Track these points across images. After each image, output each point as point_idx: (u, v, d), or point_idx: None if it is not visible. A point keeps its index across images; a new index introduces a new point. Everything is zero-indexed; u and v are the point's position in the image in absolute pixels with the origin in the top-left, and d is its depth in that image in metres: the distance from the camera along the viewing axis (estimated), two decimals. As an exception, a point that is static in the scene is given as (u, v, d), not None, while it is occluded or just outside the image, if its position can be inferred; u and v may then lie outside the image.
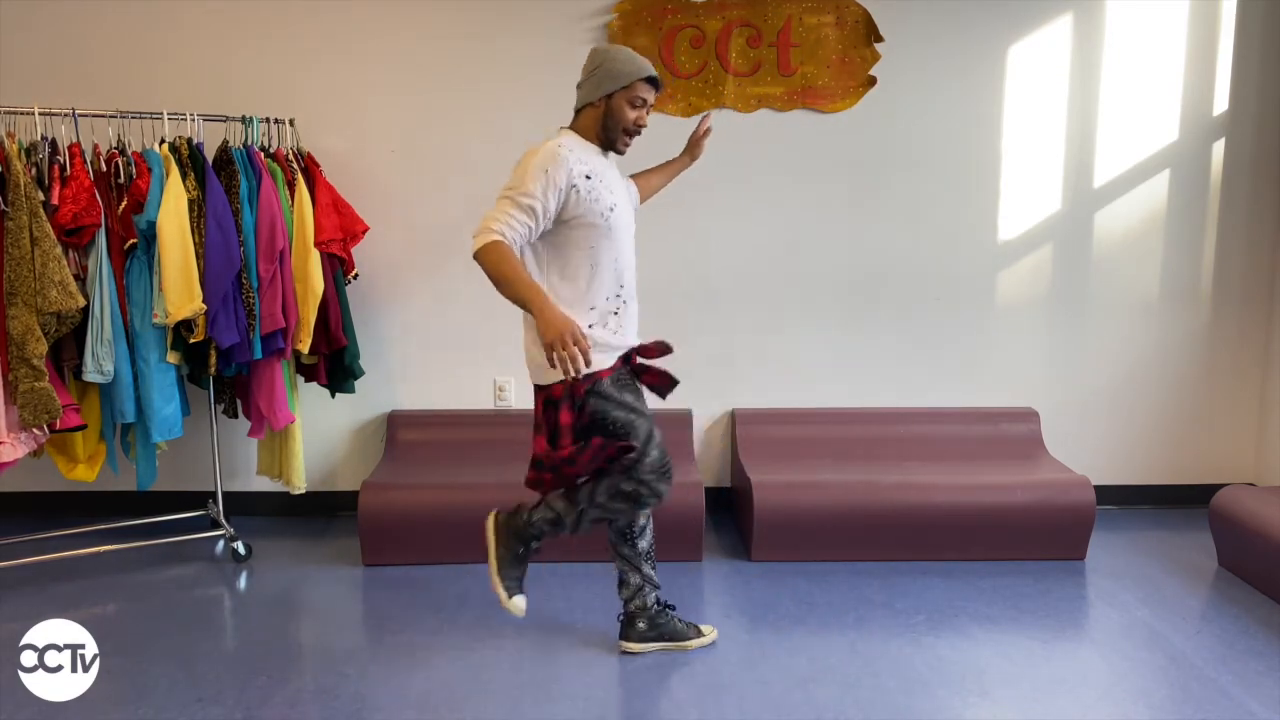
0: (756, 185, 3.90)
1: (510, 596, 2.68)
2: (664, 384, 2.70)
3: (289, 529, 3.87)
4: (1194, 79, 3.88)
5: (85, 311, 3.13)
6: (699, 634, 2.85)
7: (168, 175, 3.19)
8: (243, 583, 3.39)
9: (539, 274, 2.52)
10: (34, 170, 3.10)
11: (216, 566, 3.53)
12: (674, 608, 2.89)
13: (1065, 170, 3.92)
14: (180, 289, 3.17)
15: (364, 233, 3.60)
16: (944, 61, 3.83)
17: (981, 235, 3.96)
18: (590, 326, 2.53)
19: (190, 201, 3.21)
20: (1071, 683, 2.67)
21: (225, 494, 3.76)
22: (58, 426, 3.13)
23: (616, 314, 2.58)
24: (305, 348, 3.45)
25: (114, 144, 3.28)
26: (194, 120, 3.35)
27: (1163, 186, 3.95)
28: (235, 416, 3.66)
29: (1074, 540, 3.51)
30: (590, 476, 2.61)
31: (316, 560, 3.56)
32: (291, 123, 3.62)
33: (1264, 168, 3.93)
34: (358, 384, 3.73)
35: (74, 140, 3.20)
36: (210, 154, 3.35)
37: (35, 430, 3.12)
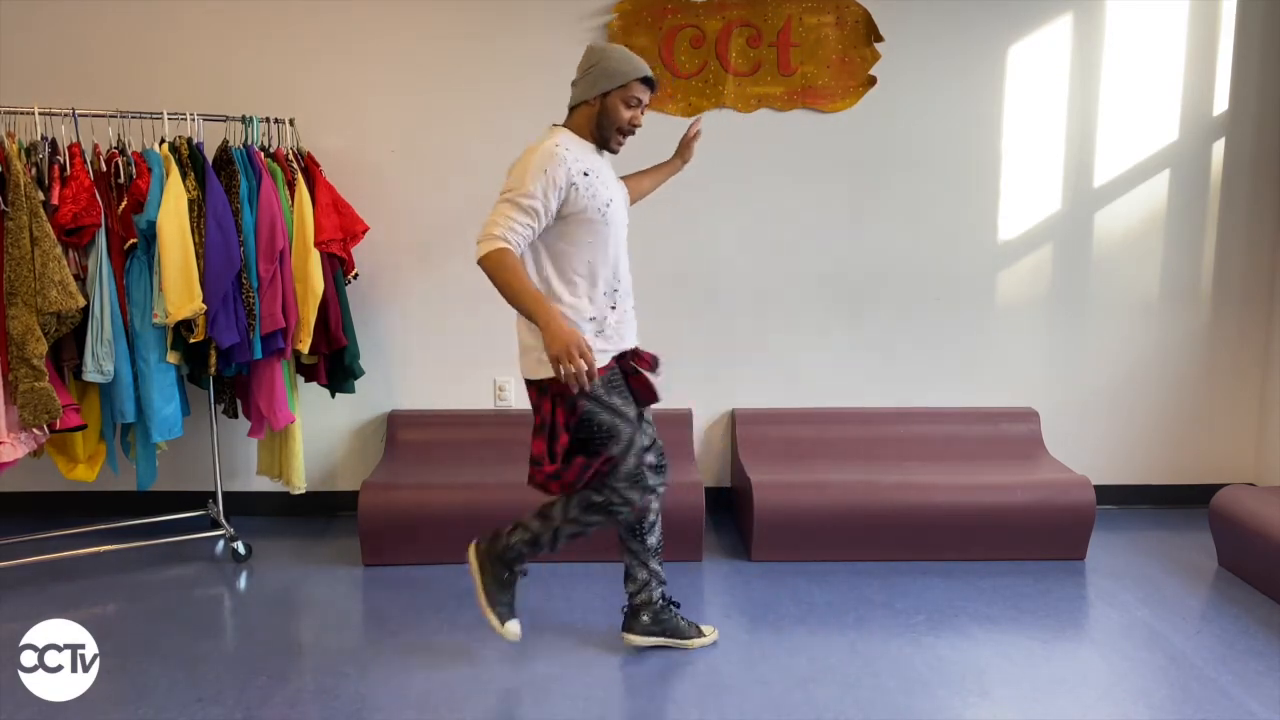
0: (756, 185, 3.90)
1: (503, 623, 2.72)
2: (646, 396, 2.68)
3: (289, 529, 3.87)
4: (1194, 79, 3.88)
5: (85, 311, 3.13)
6: (700, 634, 2.85)
7: (168, 175, 3.19)
8: (243, 583, 3.39)
9: (536, 271, 2.52)
10: (34, 170, 3.09)
11: (216, 566, 3.53)
12: (679, 605, 2.89)
13: (1065, 170, 3.92)
14: (180, 289, 3.17)
15: (364, 233, 3.60)
16: (944, 61, 3.83)
17: (981, 235, 3.96)
18: (590, 319, 2.54)
19: (190, 201, 3.21)
20: (1071, 683, 2.67)
21: (225, 494, 3.76)
22: (58, 426, 3.13)
23: (614, 308, 2.59)
24: (305, 348, 3.45)
25: (114, 144, 3.28)
26: (194, 120, 3.35)
27: (1163, 186, 3.95)
28: (235, 416, 3.66)
29: (1074, 540, 3.51)
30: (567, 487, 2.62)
31: (316, 560, 3.56)
32: (291, 123, 3.62)
33: (1264, 168, 3.93)
34: (358, 384, 3.73)
35: (74, 140, 3.20)
36: (210, 154, 3.35)
37: (35, 430, 3.12)
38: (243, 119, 3.44)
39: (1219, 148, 3.92)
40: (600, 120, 2.54)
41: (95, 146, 3.25)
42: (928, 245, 3.95)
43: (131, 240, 3.19)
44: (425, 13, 3.77)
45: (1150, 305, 4.02)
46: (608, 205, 2.52)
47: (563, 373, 2.33)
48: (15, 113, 3.15)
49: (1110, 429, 4.09)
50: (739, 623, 3.02)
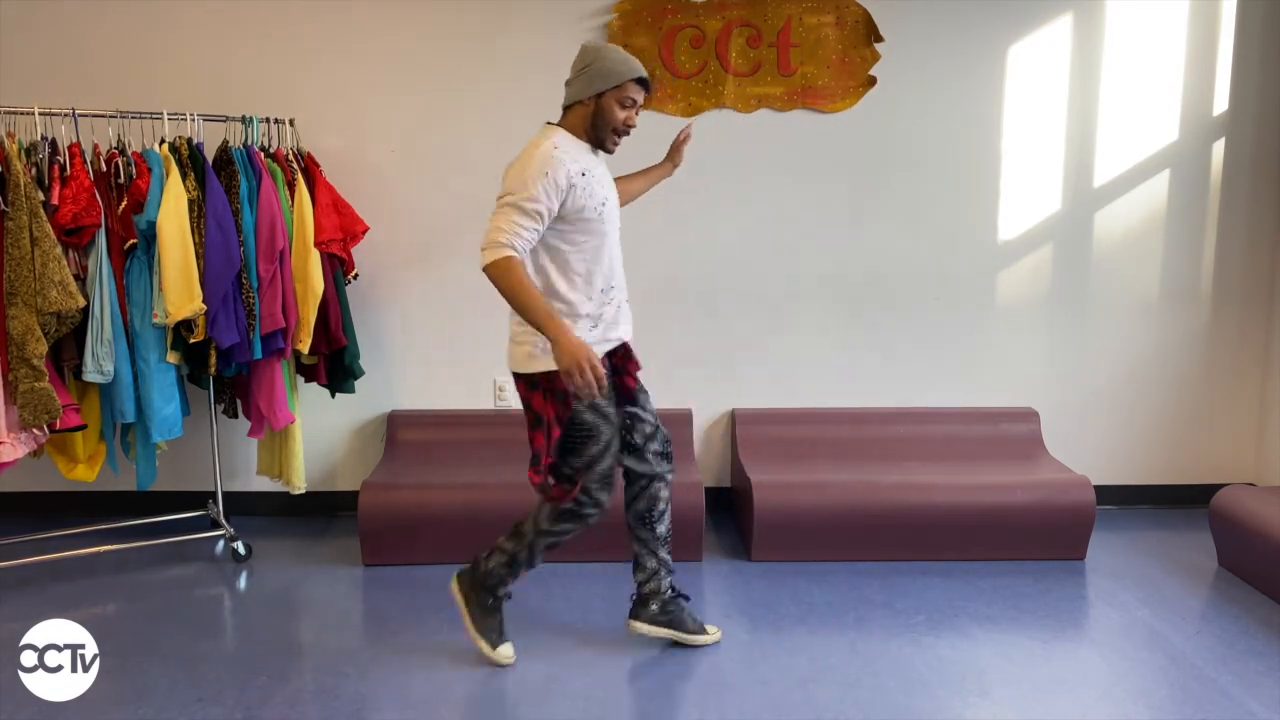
0: (756, 185, 3.90)
1: (494, 648, 2.73)
2: (629, 396, 2.68)
3: (289, 529, 3.87)
4: (1194, 79, 3.88)
5: (85, 311, 3.13)
6: (705, 631, 2.85)
7: (168, 175, 3.19)
8: (243, 583, 3.39)
9: (535, 270, 2.53)
10: (34, 170, 3.09)
11: (216, 566, 3.53)
12: (689, 598, 2.89)
13: (1065, 170, 3.92)
14: (180, 289, 3.17)
15: (364, 233, 3.60)
16: (944, 61, 3.83)
17: (981, 235, 3.96)
18: (586, 315, 2.55)
19: (190, 201, 3.21)
20: (1071, 683, 2.67)
21: (225, 494, 3.76)
22: (58, 426, 3.13)
23: (610, 303, 2.61)
24: (305, 348, 3.45)
25: (114, 144, 3.28)
26: (194, 120, 3.35)
27: (1163, 186, 3.95)
28: (235, 416, 3.66)
29: (1074, 540, 3.51)
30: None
31: (316, 560, 3.56)
32: (291, 123, 3.62)
33: (1264, 168, 3.93)
34: (358, 384, 3.73)
35: (74, 140, 3.20)
36: (210, 154, 3.35)
37: (35, 430, 3.12)
38: (243, 119, 3.44)
39: (1219, 148, 3.92)
40: (595, 121, 2.53)
41: (95, 146, 3.25)
42: (928, 245, 3.95)
43: (131, 240, 3.19)
44: (425, 13, 3.77)
45: (1150, 305, 4.02)
46: (603, 205, 2.53)
47: (572, 386, 2.34)
48: (15, 113, 3.15)
49: (1110, 429, 4.09)
50: (739, 623, 3.02)
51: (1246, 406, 4.10)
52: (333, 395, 3.78)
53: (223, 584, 3.39)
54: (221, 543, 3.72)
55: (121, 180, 3.22)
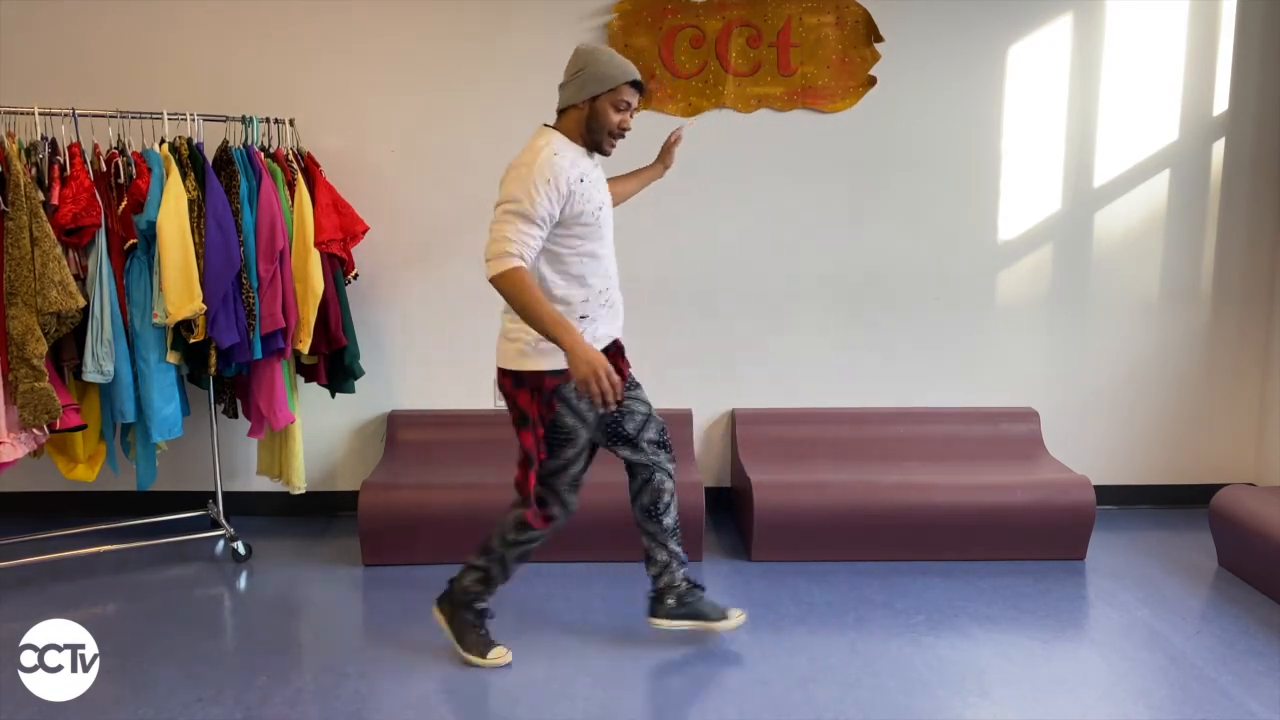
0: (756, 185, 3.90)
1: (485, 656, 2.74)
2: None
3: (289, 529, 3.87)
4: (1194, 79, 3.88)
5: (85, 311, 3.13)
6: (726, 617, 2.84)
7: (168, 175, 3.19)
8: (243, 583, 3.39)
9: (533, 272, 2.53)
10: (34, 170, 3.09)
11: (216, 566, 3.53)
12: (704, 588, 2.88)
13: (1065, 170, 3.92)
14: (180, 289, 3.17)
15: (364, 233, 3.60)
16: (944, 61, 3.83)
17: (981, 235, 3.96)
18: (582, 317, 2.55)
19: (190, 201, 3.21)
20: (1071, 683, 2.67)
21: (225, 494, 3.76)
22: (58, 426, 3.13)
23: (606, 304, 2.62)
24: (305, 348, 3.45)
25: (114, 144, 3.28)
26: (194, 120, 3.35)
27: (1163, 186, 3.95)
28: (235, 416, 3.66)
29: (1074, 540, 3.51)
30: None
31: (316, 560, 3.56)
32: (291, 123, 3.62)
33: (1264, 168, 3.93)
34: (358, 384, 3.73)
35: (74, 140, 3.20)
36: (210, 154, 3.35)
37: (35, 430, 3.12)
38: (243, 119, 3.44)
39: (1219, 148, 3.92)
40: (590, 124, 2.53)
41: (95, 146, 3.25)
42: (928, 245, 3.95)
43: (131, 240, 3.19)
44: (425, 13, 3.77)
45: (1150, 305, 4.02)
46: (600, 210, 2.54)
47: (589, 393, 2.34)
48: (15, 113, 3.15)
49: (1110, 429, 4.09)
50: (739, 623, 3.02)
51: (1246, 406, 4.10)
52: (333, 395, 3.78)
53: (223, 584, 3.39)
54: (221, 543, 3.72)
55: (121, 180, 3.22)
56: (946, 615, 3.07)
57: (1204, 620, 3.05)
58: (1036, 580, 3.34)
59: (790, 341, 4.00)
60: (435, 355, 3.97)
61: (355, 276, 3.67)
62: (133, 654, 2.82)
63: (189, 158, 3.26)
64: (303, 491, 3.67)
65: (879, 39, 3.79)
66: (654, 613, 2.82)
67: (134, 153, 3.24)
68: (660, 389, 3.25)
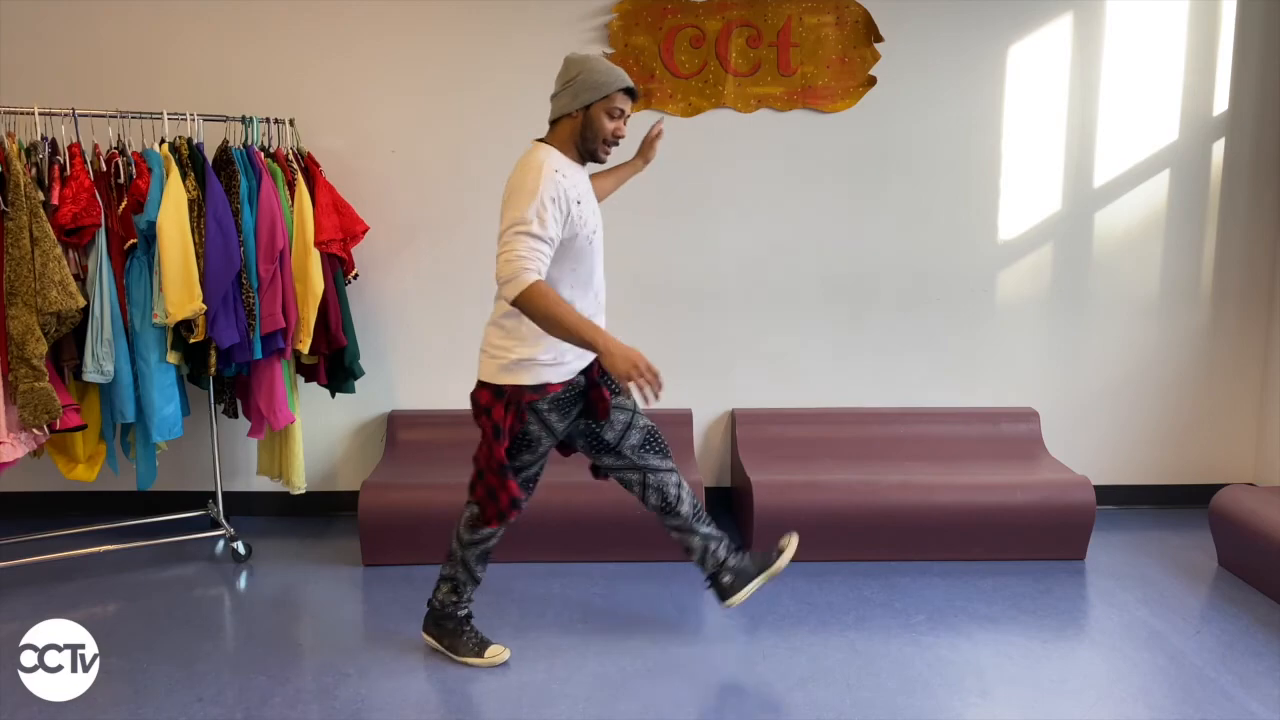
0: (756, 185, 3.90)
1: (483, 655, 2.75)
2: (601, 412, 2.67)
3: (289, 529, 3.87)
4: (1194, 79, 3.88)
5: (85, 311, 3.13)
6: (780, 552, 2.83)
7: (168, 175, 3.19)
8: (243, 583, 3.39)
9: None
10: (34, 170, 3.09)
11: (216, 566, 3.53)
12: (744, 547, 2.86)
13: (1065, 170, 3.92)
14: (180, 289, 3.17)
15: (364, 233, 3.60)
16: (944, 61, 3.83)
17: (981, 235, 3.96)
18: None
19: (190, 201, 3.21)
20: (1071, 683, 2.67)
21: (225, 494, 3.76)
22: (58, 426, 3.13)
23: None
24: (305, 348, 3.45)
25: (114, 144, 3.28)
26: (194, 120, 3.35)
27: (1163, 186, 3.95)
28: (235, 416, 3.66)
29: (1074, 540, 3.51)
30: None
31: (316, 560, 3.56)
32: (291, 123, 3.62)
33: (1264, 168, 3.93)
34: (358, 384, 3.73)
35: (74, 140, 3.20)
36: (210, 154, 3.35)
37: (35, 430, 3.12)
38: (243, 119, 3.44)
39: (1219, 148, 3.92)
40: (584, 133, 2.52)
41: (95, 146, 3.25)
42: (928, 245, 3.95)
43: (131, 240, 3.19)
44: (425, 13, 3.77)
45: (1150, 305, 4.02)
46: (594, 234, 2.55)
47: (634, 388, 2.34)
48: (15, 113, 3.15)
49: (1110, 429, 4.09)
50: (739, 623, 3.02)
51: (1246, 406, 4.10)
52: (333, 395, 3.78)
53: (223, 584, 3.39)
54: (221, 543, 3.72)
55: (121, 180, 3.22)
56: (946, 615, 3.07)
57: (1204, 620, 3.05)
58: (1036, 580, 3.34)
59: (790, 341, 4.00)
60: (435, 355, 3.97)
61: (355, 276, 3.67)
62: (133, 654, 2.82)
63: (189, 158, 3.26)
64: (303, 491, 3.67)
65: (879, 39, 3.79)
66: (722, 597, 2.82)
67: (134, 153, 3.24)
68: (642, 401, 3.24)
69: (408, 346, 3.97)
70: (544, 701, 2.57)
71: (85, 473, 3.42)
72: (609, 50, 3.77)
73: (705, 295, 3.96)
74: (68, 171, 3.12)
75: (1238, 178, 3.94)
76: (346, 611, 3.18)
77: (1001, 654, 2.83)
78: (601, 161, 2.60)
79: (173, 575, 3.44)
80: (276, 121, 3.57)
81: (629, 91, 2.52)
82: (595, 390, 2.65)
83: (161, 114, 3.30)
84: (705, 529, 2.81)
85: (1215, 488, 3.63)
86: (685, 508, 2.78)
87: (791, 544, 2.85)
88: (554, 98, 2.55)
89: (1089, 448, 4.07)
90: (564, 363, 2.56)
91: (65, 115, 3.20)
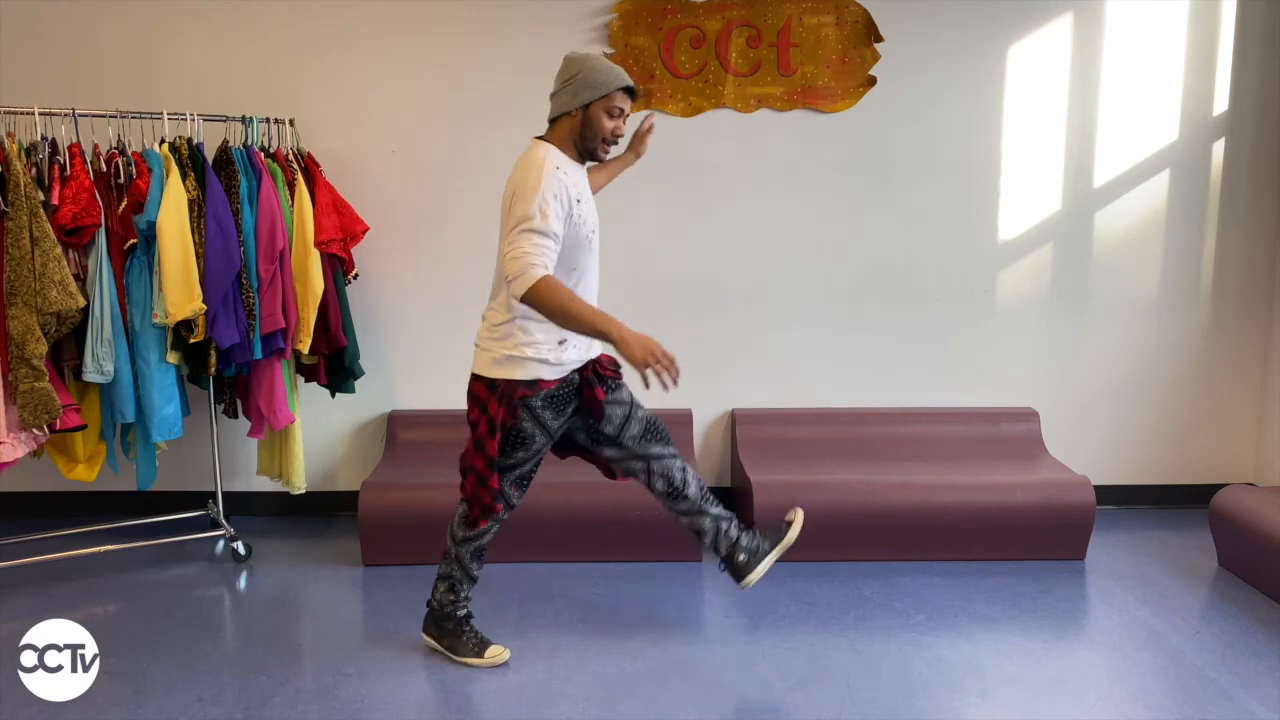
0: (756, 185, 3.90)
1: (483, 655, 2.75)
2: (595, 411, 2.67)
3: (289, 529, 3.87)
4: (1194, 79, 3.88)
5: (85, 311, 3.13)
6: (789, 526, 2.84)
7: (168, 175, 3.19)
8: (243, 583, 3.39)
9: None
10: (34, 170, 3.09)
11: (216, 566, 3.53)
12: (753, 524, 2.87)
13: (1065, 170, 3.92)
14: (180, 289, 3.17)
15: (364, 233, 3.60)
16: (944, 61, 3.83)
17: (981, 235, 3.96)
18: (560, 341, 2.55)
19: (190, 201, 3.21)
20: (1071, 683, 2.67)
21: (225, 494, 3.76)
22: (58, 427, 3.13)
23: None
24: (305, 348, 3.45)
25: (114, 144, 3.28)
26: (194, 120, 3.35)
27: (1163, 186, 3.95)
28: (235, 416, 3.66)
29: (1074, 540, 3.51)
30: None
31: (316, 560, 3.56)
32: (291, 123, 3.62)
33: (1264, 168, 3.93)
34: (358, 384, 3.73)
35: (74, 140, 3.20)
36: (210, 154, 3.35)
37: (35, 430, 3.12)
38: (243, 119, 3.44)
39: (1219, 148, 3.92)
40: (584, 132, 2.52)
41: (95, 146, 3.25)
42: (927, 245, 3.95)
43: (131, 240, 3.19)
44: (425, 13, 3.77)
45: (1150, 305, 4.02)
46: (592, 234, 2.56)
47: (650, 376, 2.34)
48: (15, 113, 3.15)
49: (1110, 429, 4.09)
50: (739, 623, 3.02)
51: (1246, 406, 4.10)
52: (333, 395, 3.78)
53: (223, 584, 3.39)
54: (221, 543, 3.72)
55: (121, 180, 3.22)
56: (946, 615, 3.07)
57: (1204, 620, 3.05)
58: (1036, 580, 3.34)
59: (790, 341, 4.00)
60: (435, 355, 3.97)
61: (355, 276, 3.67)
62: (133, 654, 2.82)
63: (189, 158, 3.26)
64: (303, 491, 3.67)
65: (879, 39, 3.79)
66: (739, 577, 2.80)
67: (134, 153, 3.24)
68: (660, 388, 3.24)
69: (407, 346, 3.97)
70: (544, 701, 2.57)
71: (85, 473, 3.42)
72: (609, 50, 3.77)
73: (705, 295, 3.96)
74: (68, 171, 3.12)
75: (1238, 178, 3.94)
76: (346, 611, 3.18)
77: (1001, 654, 2.83)
78: (601, 160, 2.61)
79: (173, 575, 3.44)
80: (276, 121, 3.57)
81: (628, 90, 2.53)
82: (588, 389, 2.65)
83: (161, 114, 3.30)
84: (715, 509, 2.81)
85: (1215, 488, 3.63)
86: (693, 490, 2.78)
87: (798, 517, 2.85)
88: (553, 96, 2.55)
89: (1089, 448, 4.07)
90: (560, 362, 2.56)
91: (65, 115, 3.21)
